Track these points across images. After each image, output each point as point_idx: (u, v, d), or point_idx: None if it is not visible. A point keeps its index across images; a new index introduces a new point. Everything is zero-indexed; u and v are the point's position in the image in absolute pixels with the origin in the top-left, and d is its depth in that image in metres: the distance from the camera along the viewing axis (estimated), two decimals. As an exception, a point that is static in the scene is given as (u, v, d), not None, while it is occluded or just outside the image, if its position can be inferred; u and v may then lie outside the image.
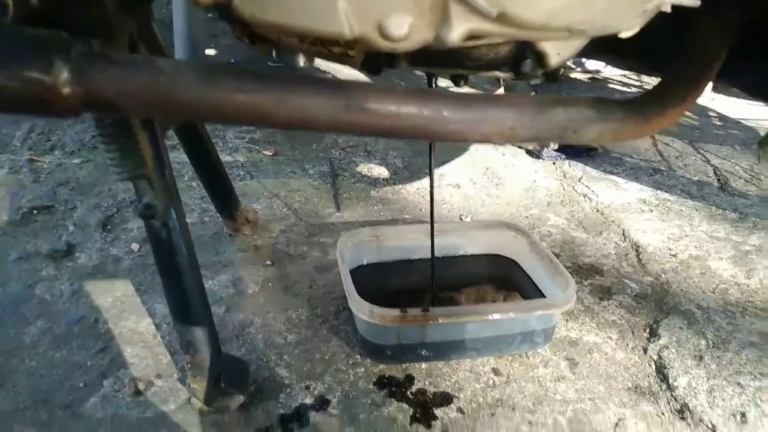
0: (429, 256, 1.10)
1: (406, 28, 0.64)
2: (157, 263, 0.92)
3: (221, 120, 0.69)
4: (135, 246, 1.40)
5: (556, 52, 0.83)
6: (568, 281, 1.09)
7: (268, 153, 1.99)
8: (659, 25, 1.05)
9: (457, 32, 0.65)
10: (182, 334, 0.94)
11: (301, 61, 0.81)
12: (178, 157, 1.66)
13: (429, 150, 0.97)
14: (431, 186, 1.01)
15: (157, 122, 0.90)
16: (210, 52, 3.09)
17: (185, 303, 0.92)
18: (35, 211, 1.53)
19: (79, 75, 0.61)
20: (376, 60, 0.79)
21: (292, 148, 2.04)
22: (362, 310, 1.00)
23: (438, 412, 0.99)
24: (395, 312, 0.99)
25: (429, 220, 1.08)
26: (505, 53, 0.83)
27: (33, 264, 1.32)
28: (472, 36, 0.65)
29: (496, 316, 1.02)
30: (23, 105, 0.62)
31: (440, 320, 1.00)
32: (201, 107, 0.67)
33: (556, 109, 0.81)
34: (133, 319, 1.17)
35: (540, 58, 0.82)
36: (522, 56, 0.83)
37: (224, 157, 1.84)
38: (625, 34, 0.95)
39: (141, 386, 1.00)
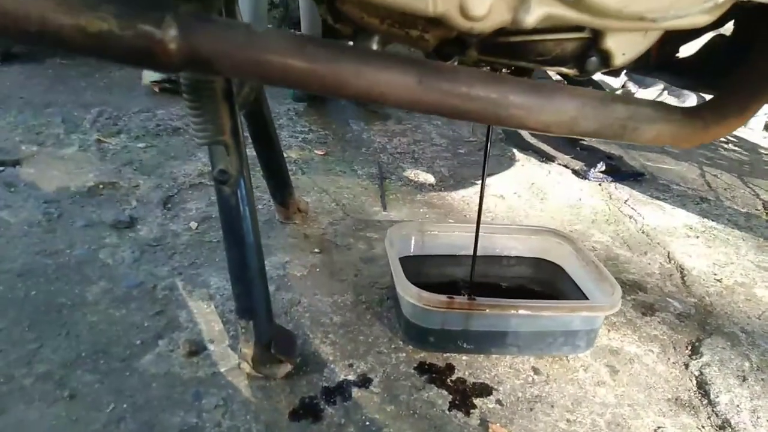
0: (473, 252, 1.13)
1: (486, 8, 0.68)
2: (224, 229, 0.97)
3: (303, 86, 0.74)
4: (193, 224, 1.47)
5: (621, 52, 0.87)
6: (614, 287, 1.10)
7: (320, 152, 2.05)
8: (718, 42, 1.08)
9: (534, 15, 0.70)
10: (239, 299, 0.99)
11: (374, 44, 0.85)
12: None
13: (487, 132, 0.99)
14: (483, 173, 1.03)
15: (236, 97, 0.96)
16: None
17: (246, 269, 0.97)
18: (101, 186, 1.62)
19: (186, 32, 0.67)
20: (448, 46, 0.83)
21: (342, 150, 2.11)
22: (410, 293, 1.03)
23: (477, 401, 1.01)
24: (442, 297, 1.02)
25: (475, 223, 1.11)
26: (571, 49, 0.86)
27: (97, 232, 1.40)
28: (547, 19, 0.69)
29: (541, 312, 1.04)
30: (131, 55, 0.68)
31: (486, 310, 1.02)
32: (288, 72, 0.72)
33: (618, 105, 0.84)
34: (188, 288, 1.22)
35: (605, 56, 0.86)
36: (587, 54, 0.86)
37: (278, 153, 1.91)
38: (689, 49, 0.98)
39: (194, 348, 1.05)
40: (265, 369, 1.00)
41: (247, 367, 1.00)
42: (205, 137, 0.90)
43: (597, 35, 0.84)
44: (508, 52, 0.86)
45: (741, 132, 2.95)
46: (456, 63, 0.92)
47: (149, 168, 1.76)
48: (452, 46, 0.84)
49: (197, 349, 1.05)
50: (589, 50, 0.86)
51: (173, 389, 0.97)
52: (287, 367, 1.00)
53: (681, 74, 1.18)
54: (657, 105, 0.86)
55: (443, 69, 0.75)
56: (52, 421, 0.88)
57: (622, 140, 0.89)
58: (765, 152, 2.66)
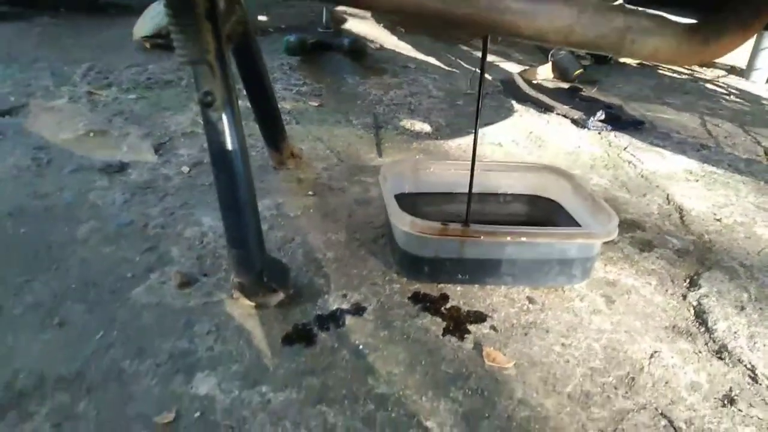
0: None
1: None
2: (211, 155, 0.95)
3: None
4: (185, 168, 1.45)
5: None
6: (610, 216, 1.09)
7: (314, 104, 2.02)
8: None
9: None
10: (230, 228, 0.97)
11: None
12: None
13: (483, 44, 0.96)
14: (479, 95, 1.00)
15: (222, 26, 0.93)
16: (262, 18, 3.16)
17: (236, 196, 0.95)
18: (91, 134, 1.59)
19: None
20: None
21: (337, 102, 2.07)
22: (403, 221, 1.01)
23: (471, 327, 1.00)
24: (436, 224, 1.00)
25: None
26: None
27: (87, 176, 1.38)
28: None
29: (536, 239, 1.03)
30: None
31: (481, 237, 1.01)
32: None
33: (616, 14, 0.81)
34: (180, 227, 1.21)
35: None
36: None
37: (271, 103, 1.88)
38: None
39: (185, 280, 1.04)
40: (258, 298, 0.99)
41: (239, 296, 0.99)
42: (187, 55, 0.87)
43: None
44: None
45: (743, 84, 2.90)
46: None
47: (140, 118, 1.74)
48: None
49: (189, 280, 1.04)
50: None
51: (164, 318, 0.96)
52: (280, 296, 0.99)
53: (672, 3, 1.14)
54: (657, 18, 0.83)
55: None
56: (41, 346, 0.88)
57: (620, 54, 0.86)
58: (767, 103, 2.62)
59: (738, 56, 3.20)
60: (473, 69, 2.69)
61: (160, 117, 1.75)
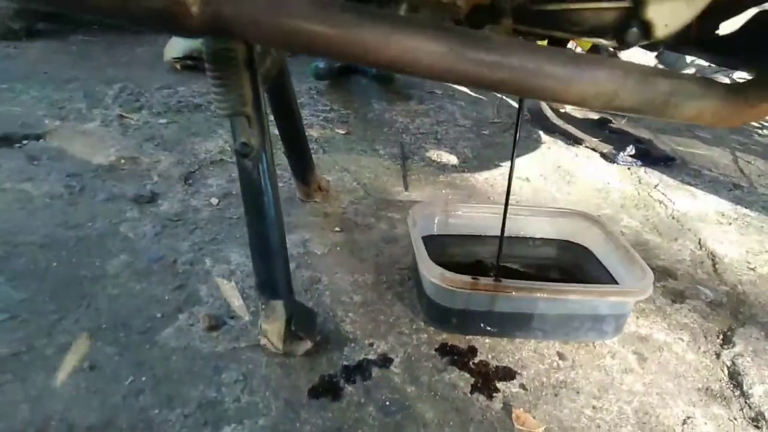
0: (499, 233, 1.10)
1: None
2: (245, 202, 0.95)
3: (332, 54, 0.72)
4: (214, 200, 1.46)
5: (664, 23, 0.82)
6: (644, 271, 1.07)
7: (341, 131, 2.03)
8: (761, 18, 1.02)
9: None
10: (260, 275, 0.97)
11: (402, 10, 0.82)
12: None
13: (519, 105, 0.95)
14: (513, 148, 0.99)
15: (259, 69, 0.94)
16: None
17: (267, 244, 0.95)
18: (122, 161, 1.61)
19: (210, -5, 0.64)
20: (480, 13, 0.80)
21: (364, 129, 2.08)
22: (433, 272, 1.00)
23: (500, 385, 0.99)
24: (466, 278, 0.99)
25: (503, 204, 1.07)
26: (610, 19, 0.82)
27: (119, 206, 1.39)
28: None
29: (569, 295, 1.01)
30: (152, 17, 0.66)
31: (513, 292, 0.99)
32: (313, 39, 0.69)
33: (660, 78, 0.80)
34: (209, 263, 1.21)
35: (646, 27, 0.81)
36: (627, 24, 0.82)
37: (300, 131, 1.89)
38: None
39: (214, 323, 1.04)
40: (285, 346, 0.98)
41: (267, 343, 0.99)
42: (226, 108, 0.88)
43: (638, 4, 0.79)
44: (544, 20, 0.82)
45: (776, 118, 2.84)
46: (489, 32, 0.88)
47: (170, 144, 1.76)
48: (485, 13, 0.80)
49: (217, 323, 1.04)
50: (630, 20, 0.81)
51: (193, 363, 0.96)
52: (307, 345, 0.99)
53: (721, 52, 1.12)
54: (701, 80, 0.82)
55: (475, 37, 0.72)
56: (72, 391, 0.88)
57: (663, 117, 0.84)
58: (801, 139, 2.57)
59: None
60: (500, 96, 2.68)
61: (189, 143, 1.77)
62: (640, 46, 0.92)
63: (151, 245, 1.26)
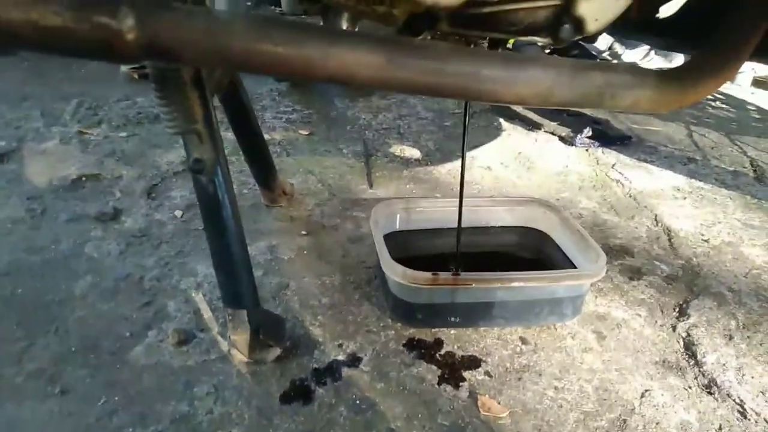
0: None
1: (451, -19, 0.67)
2: (204, 217, 0.96)
3: (270, 71, 0.73)
4: (178, 212, 1.46)
5: (594, 17, 0.85)
6: (598, 254, 1.11)
7: (304, 132, 2.04)
8: (698, 1, 1.05)
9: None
10: (225, 287, 0.99)
11: (344, 22, 0.84)
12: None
13: (465, 108, 0.99)
14: (463, 146, 1.02)
15: (207, 83, 0.95)
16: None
17: (229, 256, 0.97)
18: (84, 179, 1.61)
19: (143, 22, 0.65)
20: (417, 20, 0.82)
21: (327, 129, 2.09)
22: (395, 271, 1.03)
23: (466, 374, 1.02)
24: (427, 274, 1.02)
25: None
26: (543, 17, 0.85)
27: (83, 225, 1.39)
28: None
29: (526, 283, 1.05)
30: (88, 49, 0.66)
31: (472, 284, 1.03)
32: (253, 58, 0.71)
33: (594, 72, 0.83)
34: (176, 277, 1.22)
35: (578, 23, 0.85)
36: (560, 21, 0.85)
37: (262, 135, 1.90)
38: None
39: (183, 338, 1.05)
40: (255, 354, 1.00)
41: (237, 353, 1.01)
42: (176, 126, 0.89)
43: (569, 2, 0.82)
44: (480, 23, 0.85)
45: (728, 88, 2.93)
46: (428, 38, 0.90)
47: (132, 158, 1.75)
48: (422, 20, 0.82)
49: (186, 338, 1.06)
50: (562, 17, 0.84)
51: (164, 379, 0.97)
52: (276, 351, 1.01)
53: (662, 35, 1.16)
54: (634, 70, 0.85)
55: (412, 45, 0.74)
56: (45, 417, 0.89)
57: (600, 107, 0.87)
58: (752, 108, 2.65)
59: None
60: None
61: (151, 155, 1.77)
62: (576, 41, 0.95)
63: (117, 263, 1.26)
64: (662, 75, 0.86)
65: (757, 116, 2.55)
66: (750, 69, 2.95)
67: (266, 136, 1.94)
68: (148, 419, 0.90)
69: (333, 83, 0.77)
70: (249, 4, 3.43)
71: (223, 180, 0.94)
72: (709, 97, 2.79)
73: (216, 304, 1.15)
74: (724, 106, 2.67)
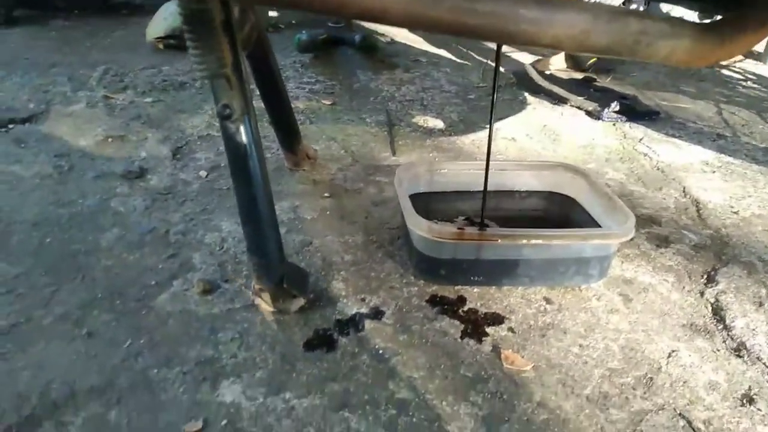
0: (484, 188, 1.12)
1: None
2: (231, 165, 0.96)
3: (306, 6, 0.72)
4: (203, 173, 1.47)
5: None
6: (627, 216, 1.09)
7: (327, 102, 2.03)
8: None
9: None
10: (250, 236, 0.99)
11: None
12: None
13: (496, 52, 0.97)
14: (493, 95, 1.01)
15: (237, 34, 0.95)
16: (273, 14, 3.16)
17: (255, 206, 0.97)
18: (110, 139, 1.62)
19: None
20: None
21: (350, 99, 2.08)
22: (420, 226, 1.02)
23: (489, 330, 1.01)
24: (452, 228, 1.01)
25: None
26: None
27: (108, 182, 1.40)
28: None
29: (552, 241, 1.03)
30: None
31: (498, 240, 1.02)
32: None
33: (630, 19, 0.81)
34: (200, 232, 1.23)
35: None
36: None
37: (285, 103, 1.90)
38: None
39: (208, 287, 1.06)
40: (279, 304, 1.01)
41: (261, 302, 1.01)
42: (205, 70, 0.88)
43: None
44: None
45: (760, 69, 2.86)
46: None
47: (157, 121, 1.76)
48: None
49: (212, 287, 1.07)
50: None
51: (189, 325, 0.98)
52: (300, 302, 1.01)
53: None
54: (672, 20, 0.83)
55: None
56: (71, 357, 0.90)
57: (636, 57, 0.85)
58: (786, 89, 2.58)
59: (755, 39, 3.14)
60: (485, 61, 2.68)
61: (176, 120, 1.78)
62: None
63: (143, 218, 1.27)
64: (700, 26, 0.83)
65: (790, 96, 2.49)
66: (784, 49, 2.87)
67: (290, 104, 1.95)
68: (173, 361, 0.91)
69: (366, 19, 0.76)
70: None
71: (251, 129, 0.93)
72: (740, 76, 2.72)
73: (241, 257, 1.15)
74: (755, 86, 2.59)
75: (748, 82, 2.64)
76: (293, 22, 3.06)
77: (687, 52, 0.84)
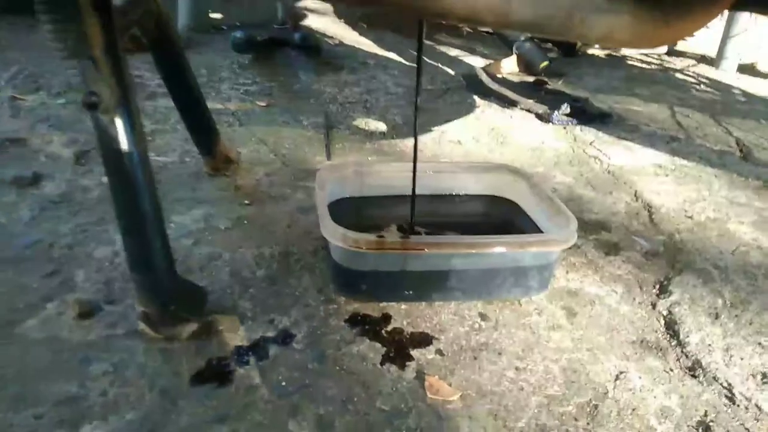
0: (418, 191, 0.99)
1: None
2: (105, 165, 0.82)
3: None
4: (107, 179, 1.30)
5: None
6: (569, 219, 0.98)
7: (262, 104, 1.89)
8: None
9: None
10: (130, 247, 0.84)
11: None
12: (168, 103, 1.59)
13: (419, 30, 0.85)
14: (417, 87, 0.89)
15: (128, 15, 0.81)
16: (215, 15, 3.01)
17: (136, 213, 0.82)
18: (8, 143, 1.44)
19: None
20: None
21: (288, 101, 1.94)
22: (335, 235, 0.89)
23: (414, 353, 0.88)
24: (371, 238, 0.88)
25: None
26: None
27: (-6, 190, 1.23)
28: None
29: (487, 249, 0.91)
30: None
31: (425, 249, 0.89)
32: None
33: (560, -12, 0.70)
34: (91, 245, 1.07)
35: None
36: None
37: (215, 106, 1.75)
38: None
39: (86, 309, 0.90)
40: (166, 329, 0.85)
41: (145, 328, 0.86)
42: (64, 50, 0.74)
43: None
44: None
45: (713, 74, 2.83)
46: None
47: (66, 123, 1.59)
48: None
49: (91, 309, 0.91)
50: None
51: (56, 356, 0.82)
52: (192, 326, 0.86)
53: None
54: (607, -7, 0.72)
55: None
56: None
57: (569, 35, 0.74)
58: (738, 92, 2.55)
59: (708, 45, 3.14)
60: (436, 64, 2.58)
61: (88, 121, 1.60)
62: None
63: (28, 230, 1.10)
64: (641, 2, 0.73)
65: (743, 99, 2.45)
66: (736, 54, 2.85)
67: (220, 106, 1.80)
68: (25, 401, 0.74)
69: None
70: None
71: (129, 122, 0.79)
72: (693, 80, 2.69)
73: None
74: (708, 89, 2.56)
75: (702, 86, 2.60)
76: (237, 23, 2.90)
77: (628, 31, 0.73)
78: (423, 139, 1.71)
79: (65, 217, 1.15)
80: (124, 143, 0.79)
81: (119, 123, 0.79)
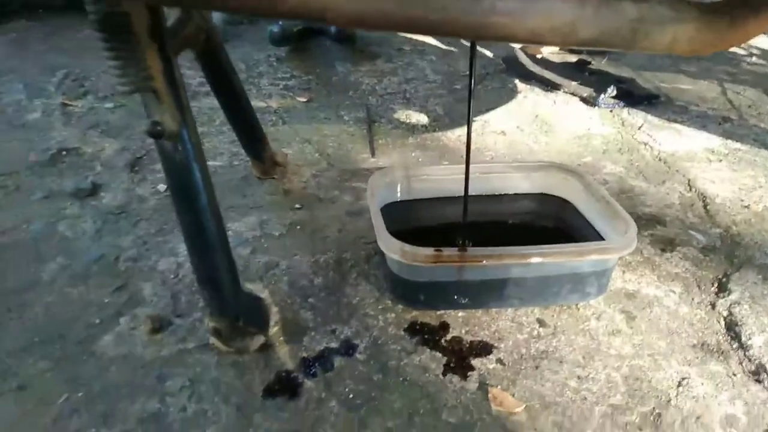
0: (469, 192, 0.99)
1: None
2: (171, 190, 0.84)
3: (232, 8, 0.60)
4: (162, 186, 1.34)
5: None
6: (628, 224, 0.96)
7: (303, 99, 1.90)
8: None
9: None
10: (198, 267, 0.87)
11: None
12: (211, 102, 1.62)
13: (471, 51, 0.84)
14: (469, 99, 0.88)
15: (174, 37, 0.82)
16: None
17: (201, 232, 0.84)
18: (63, 152, 1.49)
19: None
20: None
21: (327, 95, 1.94)
22: (392, 248, 0.90)
23: (475, 362, 0.90)
24: (428, 251, 0.89)
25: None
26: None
27: (57, 203, 1.28)
28: None
29: (545, 258, 0.91)
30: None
31: (483, 261, 0.89)
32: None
33: (624, 4, 0.68)
34: (154, 258, 1.11)
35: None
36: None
37: (257, 103, 1.76)
38: None
39: (157, 325, 0.94)
40: (236, 343, 0.89)
41: (216, 342, 0.89)
42: (127, 84, 0.76)
43: None
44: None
45: (764, 42, 2.70)
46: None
47: (116, 130, 1.63)
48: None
49: (161, 324, 0.95)
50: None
51: (134, 373, 0.86)
52: (260, 339, 0.89)
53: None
54: (672, 3, 0.70)
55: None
56: (-3, 417, 0.79)
57: (632, 49, 0.72)
58: (792, 63, 2.44)
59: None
60: (473, 46, 2.53)
61: (137, 127, 1.64)
62: None
63: (92, 243, 1.15)
64: (706, 9, 0.70)
65: (797, 71, 2.34)
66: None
67: (262, 104, 1.82)
68: (112, 418, 0.79)
69: (308, 20, 0.63)
70: None
71: (192, 146, 0.81)
72: (744, 51, 2.57)
73: (198, 286, 1.03)
74: (761, 61, 2.45)
75: (753, 58, 2.49)
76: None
77: (693, 40, 0.71)
78: (464, 130, 1.69)
79: (126, 228, 1.20)
80: (189, 168, 0.81)
81: (182, 148, 0.80)
